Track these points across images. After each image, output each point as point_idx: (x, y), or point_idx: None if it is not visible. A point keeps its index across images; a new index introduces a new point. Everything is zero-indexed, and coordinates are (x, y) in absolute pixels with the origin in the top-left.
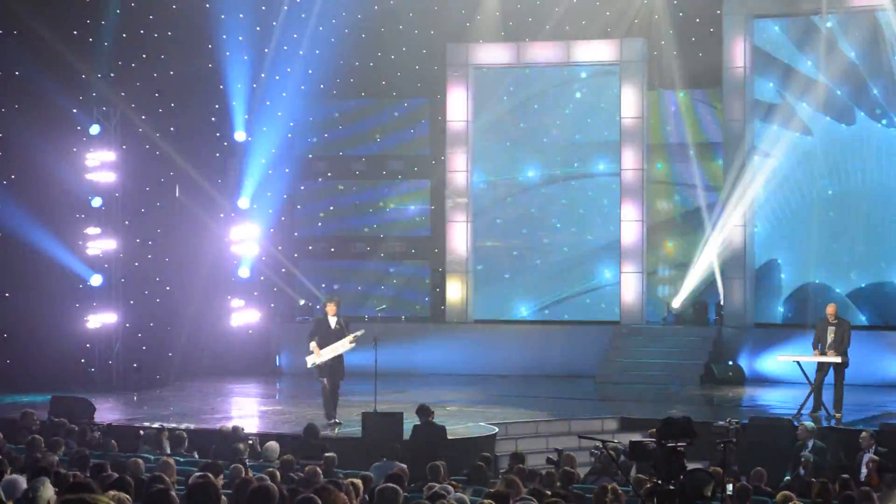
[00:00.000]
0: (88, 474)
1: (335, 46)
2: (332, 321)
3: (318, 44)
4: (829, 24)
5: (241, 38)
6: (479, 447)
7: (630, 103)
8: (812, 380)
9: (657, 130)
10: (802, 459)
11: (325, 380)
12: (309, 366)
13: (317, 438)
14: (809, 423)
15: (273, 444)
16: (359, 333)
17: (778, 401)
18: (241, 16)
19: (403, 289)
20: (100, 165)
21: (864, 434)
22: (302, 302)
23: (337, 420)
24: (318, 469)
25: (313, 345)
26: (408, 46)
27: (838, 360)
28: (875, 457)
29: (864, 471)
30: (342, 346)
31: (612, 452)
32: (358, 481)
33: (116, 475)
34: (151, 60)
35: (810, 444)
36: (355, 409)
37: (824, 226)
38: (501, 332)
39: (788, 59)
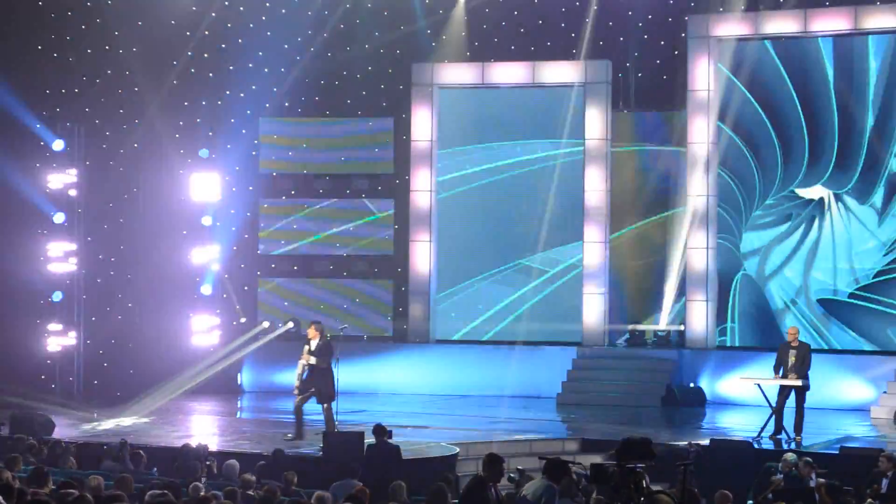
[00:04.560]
0: (48, 491)
1: (300, 64)
2: (313, 344)
3: (283, 62)
4: None
5: (206, 54)
6: (439, 467)
7: (594, 125)
8: (773, 402)
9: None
10: (772, 483)
11: (299, 397)
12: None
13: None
14: (791, 456)
15: (233, 463)
16: (311, 360)
17: (739, 423)
18: (206, 32)
19: (366, 308)
20: (63, 181)
21: (801, 462)
22: (266, 324)
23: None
24: (277, 489)
25: (305, 349)
26: (373, 65)
27: (799, 383)
28: (822, 480)
29: (816, 496)
30: (299, 369)
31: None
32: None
33: (76, 493)
34: (116, 76)
35: (780, 473)
36: (316, 429)
37: None
38: (463, 352)
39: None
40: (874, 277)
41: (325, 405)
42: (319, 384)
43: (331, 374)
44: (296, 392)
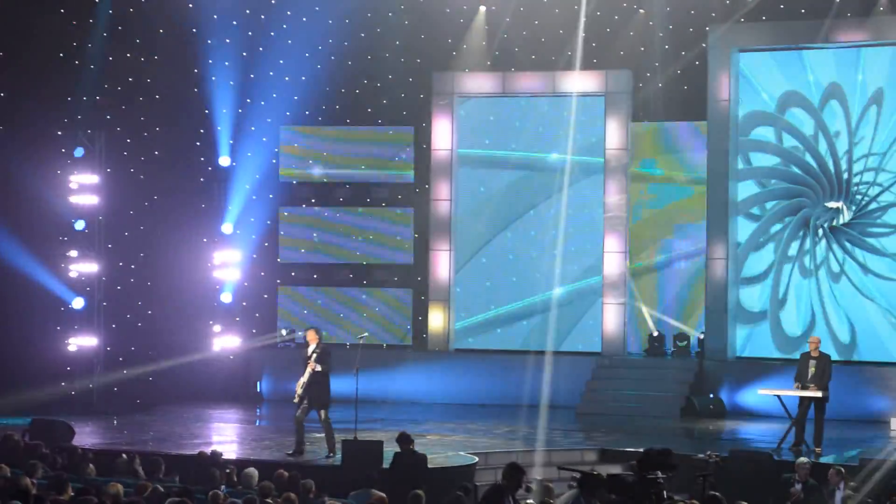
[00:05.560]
0: (67, 498)
1: (321, 73)
2: (310, 349)
3: (303, 70)
4: None
5: (227, 62)
6: (458, 477)
7: (614, 134)
8: (793, 413)
9: None
10: (791, 496)
11: (300, 409)
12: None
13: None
14: (806, 460)
15: (251, 471)
16: (315, 367)
17: (759, 434)
18: (227, 41)
19: (385, 316)
20: (83, 188)
21: (831, 471)
22: (284, 332)
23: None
24: (294, 496)
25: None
26: (394, 74)
27: (819, 394)
28: (851, 492)
29: None
30: (304, 377)
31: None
32: None
33: (95, 499)
34: (137, 84)
35: (802, 483)
36: (336, 437)
37: None
38: (482, 361)
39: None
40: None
41: (324, 414)
42: (315, 390)
43: (327, 380)
44: (296, 400)
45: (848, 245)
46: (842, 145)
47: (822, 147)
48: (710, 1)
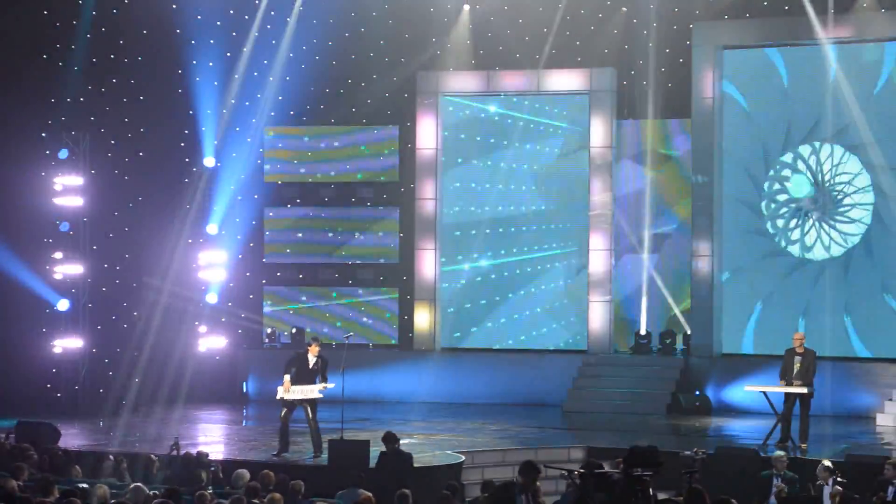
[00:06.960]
0: (52, 500)
1: (305, 73)
2: (312, 360)
3: (288, 70)
4: None
5: (210, 63)
6: (445, 476)
7: (599, 133)
8: (779, 410)
9: None
10: (775, 489)
11: (285, 410)
12: (278, 397)
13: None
14: (782, 453)
15: (242, 472)
16: (329, 385)
17: (745, 431)
18: (211, 41)
19: (371, 316)
20: (68, 190)
21: (820, 466)
22: (269, 330)
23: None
24: (280, 496)
25: (287, 378)
26: (378, 74)
27: (804, 390)
28: (839, 488)
29: (827, 503)
30: (311, 393)
31: (577, 481)
32: None
33: (79, 501)
34: (121, 85)
35: (780, 476)
36: (322, 437)
37: None
38: (469, 361)
39: None
40: None
41: (312, 414)
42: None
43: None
44: (280, 398)
45: (824, 220)
46: (814, 164)
47: (803, 167)
48: None
